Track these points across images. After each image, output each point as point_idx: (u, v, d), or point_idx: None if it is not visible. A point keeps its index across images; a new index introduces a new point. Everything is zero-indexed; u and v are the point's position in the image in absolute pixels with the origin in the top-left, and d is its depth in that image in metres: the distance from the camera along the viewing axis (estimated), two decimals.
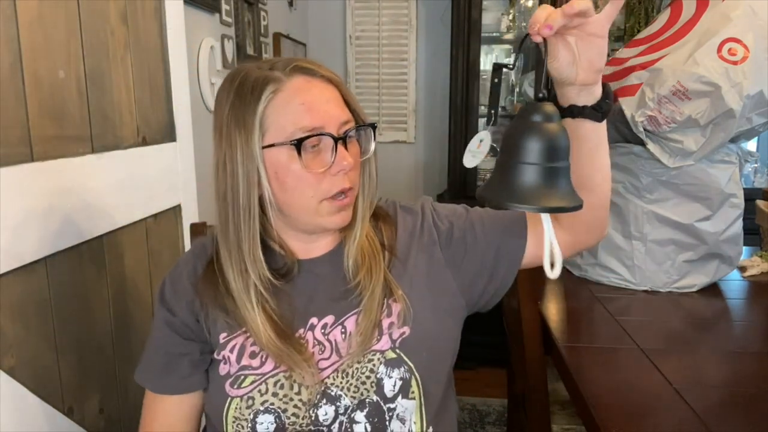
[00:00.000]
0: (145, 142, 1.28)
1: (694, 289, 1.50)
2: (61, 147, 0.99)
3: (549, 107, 0.60)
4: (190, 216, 1.48)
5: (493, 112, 0.73)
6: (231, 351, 0.78)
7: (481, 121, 2.92)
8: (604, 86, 0.72)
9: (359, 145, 0.80)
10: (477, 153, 0.78)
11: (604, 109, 0.72)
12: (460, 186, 2.76)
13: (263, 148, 0.74)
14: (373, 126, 0.80)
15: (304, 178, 0.74)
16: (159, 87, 1.36)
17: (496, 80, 0.72)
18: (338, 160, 0.74)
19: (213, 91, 1.80)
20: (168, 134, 1.39)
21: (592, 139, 0.75)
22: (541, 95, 0.60)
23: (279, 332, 0.76)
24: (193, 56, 1.68)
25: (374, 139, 0.80)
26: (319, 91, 0.75)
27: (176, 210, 1.43)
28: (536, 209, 0.58)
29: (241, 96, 0.75)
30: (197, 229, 1.12)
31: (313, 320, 0.80)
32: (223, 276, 0.78)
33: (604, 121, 0.74)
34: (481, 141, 0.77)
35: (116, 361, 1.16)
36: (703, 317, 1.36)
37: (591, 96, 0.71)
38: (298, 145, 0.72)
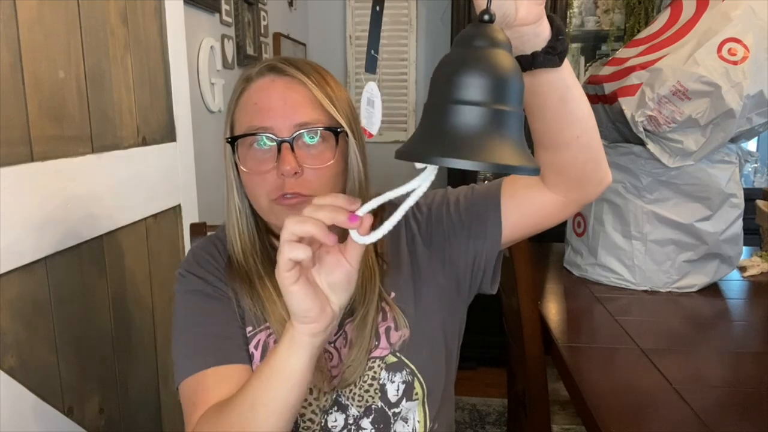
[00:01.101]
0: (145, 142, 1.28)
1: (694, 289, 1.50)
2: (61, 147, 0.99)
3: (497, 31, 0.44)
4: (190, 216, 1.48)
5: (373, 52, 0.63)
6: (255, 347, 0.77)
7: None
8: (551, 20, 0.56)
9: (337, 150, 0.75)
10: (371, 114, 0.73)
11: (559, 50, 0.57)
12: (460, 186, 2.75)
13: (227, 140, 0.76)
14: (335, 131, 0.74)
15: (250, 178, 0.74)
16: (159, 87, 1.36)
17: (377, 8, 0.57)
18: (279, 163, 0.71)
19: (213, 91, 1.80)
20: (168, 134, 1.39)
21: (555, 91, 0.62)
22: (486, 17, 0.43)
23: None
24: (193, 56, 1.68)
25: (345, 150, 0.75)
26: (280, 91, 0.73)
27: (176, 210, 1.43)
28: (474, 164, 0.39)
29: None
30: (197, 229, 1.12)
31: None
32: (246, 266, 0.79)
33: (566, 64, 0.60)
34: (369, 100, 0.65)
35: (116, 361, 1.16)
36: (703, 317, 1.36)
37: (538, 38, 0.56)
38: (232, 142, 0.74)
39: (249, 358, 0.76)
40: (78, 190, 1.03)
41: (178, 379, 0.75)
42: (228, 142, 0.75)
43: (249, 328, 0.78)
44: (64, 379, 1.00)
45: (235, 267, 0.79)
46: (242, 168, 0.74)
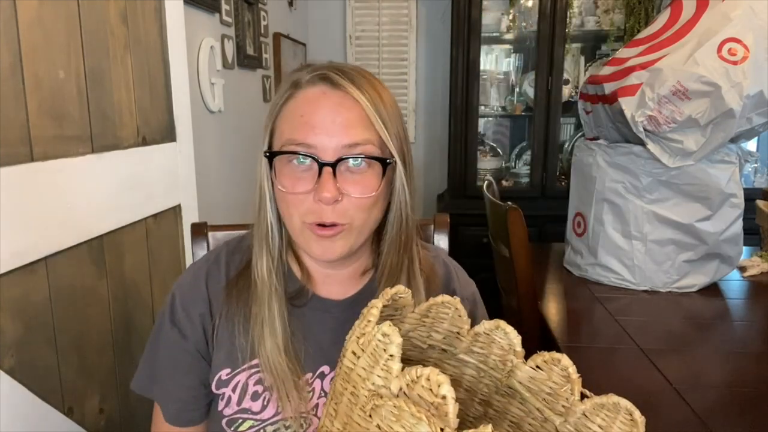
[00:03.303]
0: (145, 142, 1.28)
1: (694, 289, 1.50)
2: (61, 147, 0.99)
3: None
4: (190, 216, 1.47)
5: None
6: (233, 390, 0.73)
7: (482, 122, 2.93)
8: None
9: (383, 179, 0.68)
10: None
11: None
12: (460, 186, 2.76)
13: (264, 153, 0.70)
14: (384, 161, 0.67)
15: (285, 196, 0.68)
16: (159, 87, 1.36)
17: None
18: (317, 188, 0.65)
19: (213, 91, 1.80)
20: (168, 134, 1.39)
21: None
22: None
23: (287, 348, 0.71)
24: (193, 56, 1.68)
25: (391, 177, 0.69)
26: (332, 107, 0.66)
27: (176, 210, 1.43)
28: None
29: (274, 96, 0.72)
30: (197, 229, 1.12)
31: (325, 369, 0.74)
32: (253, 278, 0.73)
33: None
34: None
35: (116, 361, 1.16)
36: (703, 317, 1.36)
37: None
38: (270, 157, 0.68)
39: (203, 416, 0.77)
40: (78, 190, 1.03)
41: (138, 389, 0.78)
42: (266, 156, 0.69)
43: (227, 371, 0.73)
44: (64, 379, 1.00)
45: (236, 291, 0.74)
46: (278, 186, 0.68)
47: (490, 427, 0.38)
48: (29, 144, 0.91)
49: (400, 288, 0.54)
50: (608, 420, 0.51)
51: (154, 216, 1.32)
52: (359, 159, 0.66)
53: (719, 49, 1.32)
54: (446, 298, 0.58)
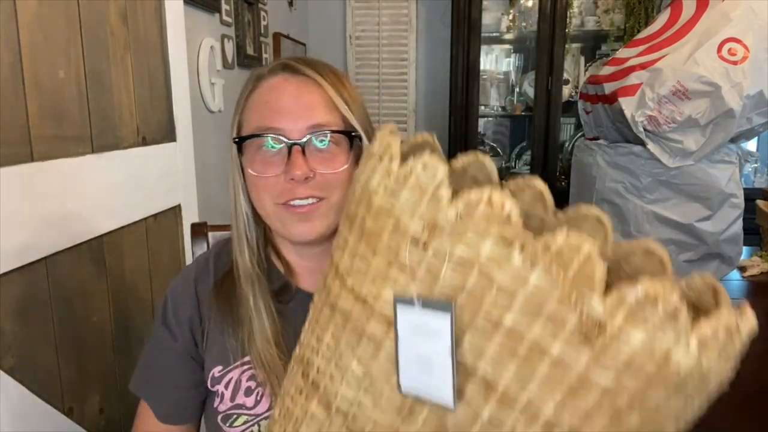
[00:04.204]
0: (145, 142, 1.28)
1: None
2: (61, 147, 0.99)
3: None
4: (190, 216, 1.48)
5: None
6: (226, 387, 0.74)
7: (482, 122, 2.92)
8: None
9: (351, 154, 0.70)
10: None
11: None
12: None
13: (233, 140, 0.72)
14: (349, 134, 0.69)
15: (256, 181, 0.69)
16: (159, 87, 1.36)
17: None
18: (288, 168, 0.66)
19: (213, 91, 1.80)
20: (168, 134, 1.39)
21: None
22: None
23: (277, 340, 0.71)
24: (193, 56, 1.68)
25: (359, 154, 0.69)
26: (294, 91, 0.68)
27: (176, 210, 1.43)
28: None
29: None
30: (197, 229, 1.12)
31: None
32: (238, 281, 0.74)
33: None
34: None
35: (116, 361, 1.16)
36: None
37: None
38: (239, 143, 0.70)
39: (194, 417, 0.78)
40: (78, 190, 1.03)
41: (134, 388, 0.80)
42: (235, 142, 0.71)
43: (219, 368, 0.74)
44: (64, 379, 1.00)
45: (223, 292, 0.75)
46: (249, 171, 0.70)
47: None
48: (29, 144, 0.91)
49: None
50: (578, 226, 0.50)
51: (154, 216, 1.32)
52: (326, 137, 0.68)
53: (719, 49, 1.32)
54: None
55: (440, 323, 0.38)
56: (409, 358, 0.40)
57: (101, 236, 1.11)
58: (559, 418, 0.36)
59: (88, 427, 1.05)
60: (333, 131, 0.68)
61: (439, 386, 0.39)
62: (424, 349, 0.39)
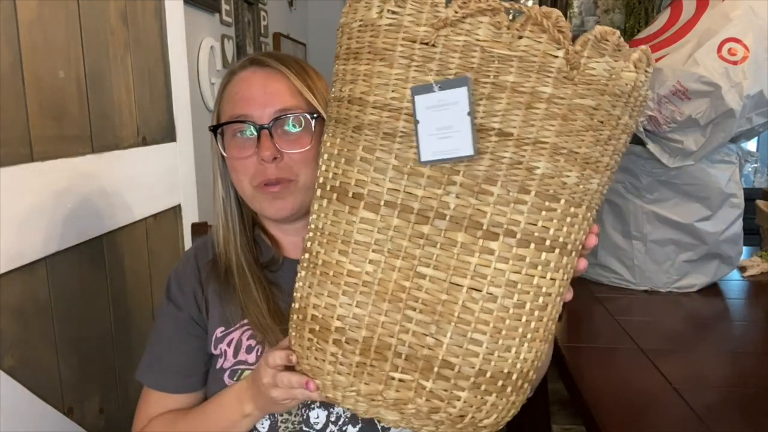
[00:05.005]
0: (145, 142, 1.28)
1: (694, 289, 1.50)
2: (61, 147, 0.99)
3: None
4: (190, 216, 1.48)
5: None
6: (228, 345, 0.79)
7: None
8: None
9: (314, 134, 0.75)
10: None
11: None
12: None
13: (209, 128, 0.80)
14: (312, 115, 0.75)
15: (234, 165, 0.77)
16: (159, 87, 1.36)
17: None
18: (258, 149, 0.74)
19: (213, 91, 1.80)
20: (168, 134, 1.39)
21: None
22: None
23: (272, 311, 0.77)
24: (193, 56, 1.68)
25: (314, 131, 0.74)
26: (261, 82, 0.76)
27: (176, 210, 1.43)
28: None
29: None
30: (198, 229, 1.12)
31: None
32: (229, 259, 0.81)
33: None
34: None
35: (116, 361, 1.16)
36: (703, 317, 1.36)
37: None
38: (214, 131, 0.78)
39: (201, 384, 0.82)
40: (78, 190, 1.03)
41: (138, 375, 0.84)
42: (211, 130, 0.79)
43: (221, 329, 0.80)
44: (64, 379, 1.00)
45: (218, 266, 0.82)
46: (227, 156, 0.78)
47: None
48: (29, 144, 0.91)
49: None
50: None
51: (154, 216, 1.32)
52: (289, 119, 0.75)
53: (719, 49, 1.32)
54: None
55: (457, 95, 0.50)
56: (428, 134, 0.51)
57: (101, 236, 1.11)
58: (558, 143, 0.51)
59: (88, 427, 1.05)
60: (295, 113, 0.75)
61: (459, 145, 0.50)
62: (444, 120, 0.50)
